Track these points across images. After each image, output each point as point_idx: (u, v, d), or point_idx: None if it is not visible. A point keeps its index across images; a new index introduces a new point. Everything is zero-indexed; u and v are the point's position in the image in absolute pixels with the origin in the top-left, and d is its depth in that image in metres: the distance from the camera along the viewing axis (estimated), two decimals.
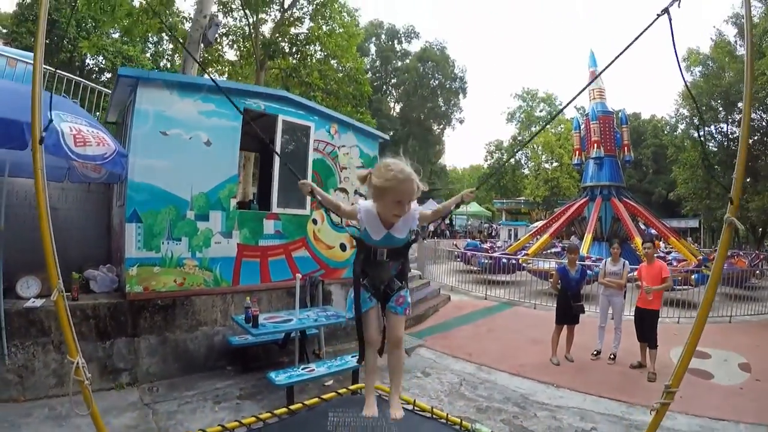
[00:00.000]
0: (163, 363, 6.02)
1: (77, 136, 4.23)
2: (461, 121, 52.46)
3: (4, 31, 24.39)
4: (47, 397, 4.94)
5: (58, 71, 9.04)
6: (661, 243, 20.57)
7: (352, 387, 4.77)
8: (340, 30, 17.93)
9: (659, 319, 6.95)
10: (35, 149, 2.56)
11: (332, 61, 19.21)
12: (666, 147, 36.32)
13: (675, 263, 15.31)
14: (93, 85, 10.09)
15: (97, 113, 10.03)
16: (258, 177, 11.43)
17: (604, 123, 20.80)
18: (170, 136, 5.96)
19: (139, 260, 5.81)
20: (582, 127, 22.26)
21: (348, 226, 7.89)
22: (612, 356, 7.37)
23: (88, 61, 26.72)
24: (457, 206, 2.95)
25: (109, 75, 25.27)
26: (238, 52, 18.95)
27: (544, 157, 45.87)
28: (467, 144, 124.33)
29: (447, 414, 4.15)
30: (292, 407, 4.02)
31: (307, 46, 17.94)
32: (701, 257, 16.51)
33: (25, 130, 3.77)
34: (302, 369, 5.65)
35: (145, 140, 5.80)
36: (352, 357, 6.18)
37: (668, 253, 18.88)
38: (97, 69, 27.23)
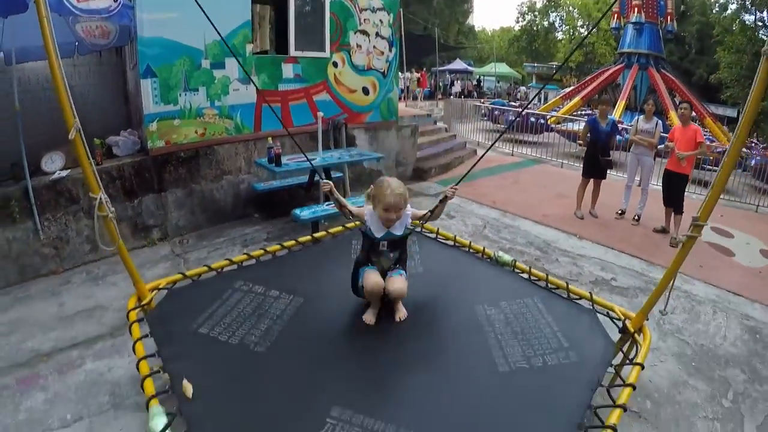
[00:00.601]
0: (191, 215, 6.15)
1: None
2: None
3: None
4: (84, 263, 5.09)
5: None
6: (697, 124, 19.66)
7: None
8: None
9: (686, 193, 6.74)
10: None
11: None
12: (712, 26, 33.77)
13: (708, 143, 14.71)
14: None
15: None
16: (275, 32, 10.94)
17: None
18: None
19: (157, 115, 5.70)
20: None
21: (369, 69, 7.64)
22: (636, 217, 7.24)
23: None
24: (443, 201, 3.37)
25: None
26: None
27: (579, 21, 43.07)
28: (497, 4, 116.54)
29: (470, 242, 4.21)
30: (315, 235, 4.08)
31: None
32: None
33: None
34: (327, 205, 5.73)
35: None
36: None
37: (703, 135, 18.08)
38: None
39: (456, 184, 3.35)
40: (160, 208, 5.87)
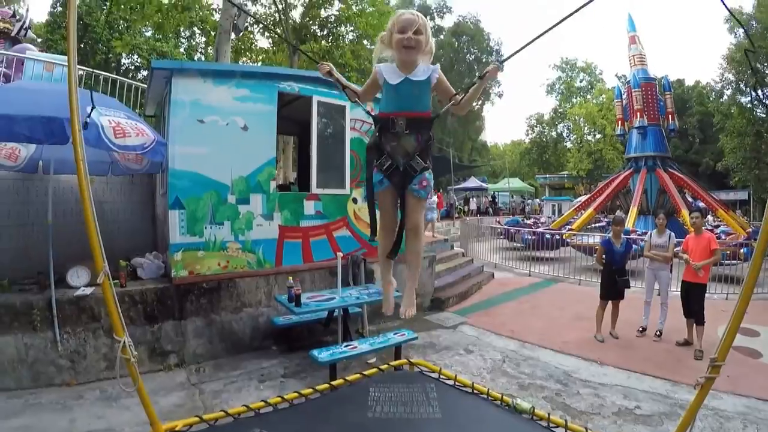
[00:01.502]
0: (210, 344, 6.21)
1: (116, 128, 4.35)
2: (500, 96, 51.47)
3: (39, 40, 25.42)
4: (98, 380, 5.15)
5: (94, 71, 9.25)
6: (709, 216, 19.82)
7: (394, 363, 4.82)
8: (371, 9, 17.84)
9: (707, 295, 6.69)
10: (74, 133, 2.64)
11: (364, 41, 19.17)
12: (712, 114, 34.95)
13: (723, 237, 14.75)
14: (129, 81, 10.30)
15: (136, 110, 10.28)
16: (297, 161, 11.56)
17: (646, 90, 20.00)
18: (207, 123, 6.07)
19: (183, 245, 5.97)
20: (624, 95, 21.50)
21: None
22: (658, 333, 7.13)
23: (123, 60, 27.39)
24: (482, 78, 2.57)
25: (145, 72, 25.86)
26: (270, 39, 19.11)
27: (586, 129, 44.71)
28: (508, 119, 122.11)
29: (488, 389, 4.16)
30: (333, 383, 4.09)
31: (339, 28, 17.96)
32: (750, 230, 15.76)
33: (65, 126, 3.89)
34: (345, 347, 5.73)
35: (183, 129, 5.93)
36: (395, 334, 6.26)
37: (716, 226, 18.15)
38: (133, 68, 27.84)
39: (502, 62, 2.73)
40: (179, 335, 5.96)
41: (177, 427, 3.35)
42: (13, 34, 9.07)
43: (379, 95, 2.63)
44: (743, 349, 6.39)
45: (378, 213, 2.64)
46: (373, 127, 2.61)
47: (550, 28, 2.39)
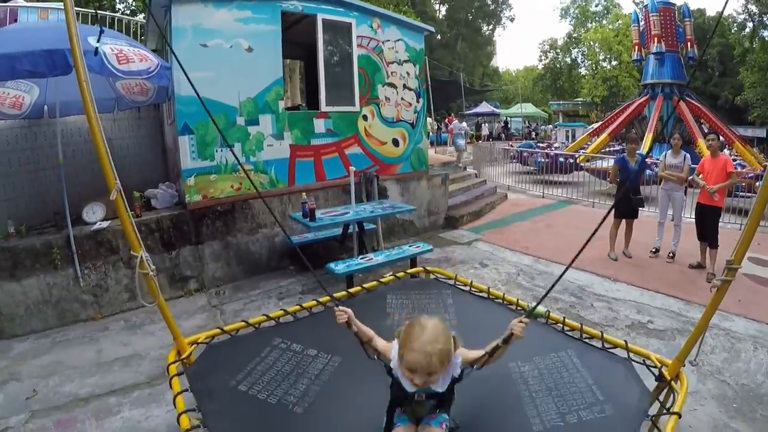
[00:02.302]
0: (228, 267, 6.33)
1: (119, 55, 4.23)
2: (512, 20, 49.81)
3: None
4: (121, 311, 5.29)
5: (90, 11, 8.96)
6: (725, 150, 19.40)
7: (410, 270, 4.89)
8: None
9: (720, 224, 6.59)
10: (76, 58, 2.57)
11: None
12: (733, 47, 33.63)
13: (739, 169, 14.47)
14: (127, 17, 9.95)
15: None
16: (304, 91, 11.35)
17: (664, 15, 19.21)
18: (211, 47, 5.91)
19: (195, 170, 5.97)
20: (641, 20, 20.63)
21: (398, 121, 7.78)
22: (671, 254, 7.09)
23: (117, 5, 26.45)
24: (507, 342, 2.40)
25: (141, 15, 25.05)
26: None
27: (601, 55, 43.22)
28: (520, 44, 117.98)
29: (503, 294, 4.22)
30: (351, 290, 4.16)
31: None
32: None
33: (67, 56, 3.79)
34: (361, 259, 5.83)
35: (187, 54, 5.72)
36: (410, 246, 6.36)
37: (733, 160, 17.80)
38: (128, 12, 26.98)
39: (527, 315, 2.53)
40: (197, 260, 6.06)
41: (200, 339, 3.45)
42: None
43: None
44: (755, 277, 6.34)
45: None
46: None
47: None
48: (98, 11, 9.63)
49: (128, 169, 6.79)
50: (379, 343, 2.47)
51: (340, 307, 2.53)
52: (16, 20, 7.80)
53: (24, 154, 5.79)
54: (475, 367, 2.43)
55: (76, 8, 2.67)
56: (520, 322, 2.39)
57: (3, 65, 3.81)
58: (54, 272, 5.04)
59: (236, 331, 3.63)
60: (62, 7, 2.56)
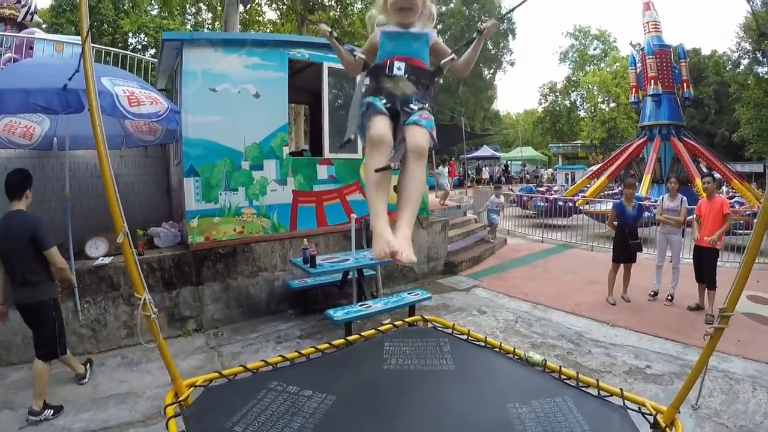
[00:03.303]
0: (227, 309, 6.36)
1: (131, 97, 4.39)
2: (512, 64, 50.60)
3: (44, 25, 25.42)
4: (119, 347, 5.30)
5: (104, 47, 9.25)
6: (723, 187, 19.59)
7: (408, 319, 4.90)
8: None
9: (719, 263, 6.65)
10: (90, 97, 2.68)
11: (373, 10, 18.94)
12: (728, 84, 34.29)
13: (738, 207, 14.60)
14: (138, 56, 10.24)
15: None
16: (308, 133, 11.58)
17: (660, 57, 19.60)
18: (219, 91, 6.11)
19: (199, 212, 6.07)
20: (638, 62, 21.12)
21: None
22: (669, 297, 7.14)
23: (130, 40, 27.26)
24: (480, 33, 2.34)
25: (152, 51, 25.72)
26: (278, 11, 18.93)
27: (600, 97, 44.02)
28: (520, 88, 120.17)
29: (500, 343, 4.24)
30: (349, 338, 4.19)
31: None
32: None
33: (80, 95, 3.95)
34: (360, 306, 5.85)
35: (196, 98, 5.97)
36: (409, 293, 6.39)
37: (731, 197, 17.97)
38: (140, 47, 27.73)
39: (501, 18, 2.48)
40: (197, 300, 6.11)
41: (197, 382, 3.46)
42: (19, 19, 9.08)
43: None
44: (754, 316, 6.38)
45: (367, 135, 2.07)
46: (368, 79, 2.28)
47: None
48: (111, 48, 9.90)
49: (133, 206, 6.91)
50: (358, 51, 2.39)
51: (320, 23, 2.55)
52: (31, 48, 8.04)
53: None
54: (451, 57, 2.40)
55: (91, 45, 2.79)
56: (494, 23, 2.33)
57: (18, 99, 3.94)
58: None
59: (234, 376, 3.64)
60: (76, 42, 2.68)
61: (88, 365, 4.84)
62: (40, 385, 4.03)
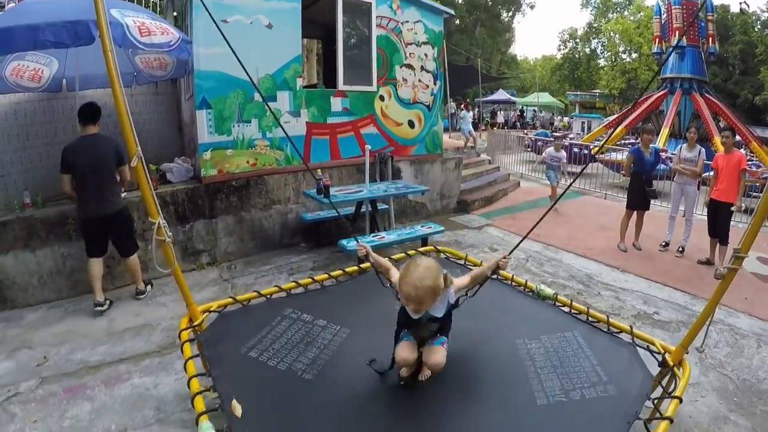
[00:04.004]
0: (240, 242, 6.41)
1: (141, 28, 4.27)
2: (532, 7, 48.89)
3: None
4: (134, 283, 5.25)
5: None
6: (742, 149, 19.16)
7: (421, 249, 4.94)
8: None
9: (732, 223, 6.55)
10: (100, 24, 2.60)
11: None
12: (755, 45, 33.12)
13: (754, 168, 14.27)
14: None
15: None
16: (322, 69, 11.36)
17: (687, 9, 18.94)
18: (231, 22, 5.91)
19: (211, 144, 6.02)
20: (663, 13, 20.33)
21: (415, 102, 7.77)
22: (680, 249, 7.07)
23: None
24: (494, 272, 3.00)
25: None
26: None
27: (621, 47, 42.75)
28: (539, 32, 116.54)
29: (512, 275, 4.26)
30: (362, 266, 4.22)
31: None
32: None
33: (90, 27, 3.85)
34: (373, 237, 5.90)
35: (207, 29, 5.72)
36: (422, 226, 6.44)
37: (749, 160, 17.60)
38: None
39: (510, 253, 3.18)
40: (211, 234, 6.14)
41: (212, 307, 3.52)
42: None
43: None
44: (763, 276, 6.32)
45: (395, 354, 2.77)
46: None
47: None
48: None
49: (145, 144, 6.65)
50: (393, 273, 2.83)
51: (360, 242, 3.04)
52: None
53: (42, 128, 5.82)
54: (468, 294, 2.96)
55: None
56: (505, 258, 2.98)
57: (26, 36, 3.86)
58: (68, 243, 5.10)
59: (248, 301, 3.70)
60: None
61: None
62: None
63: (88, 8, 2.81)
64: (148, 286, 5.25)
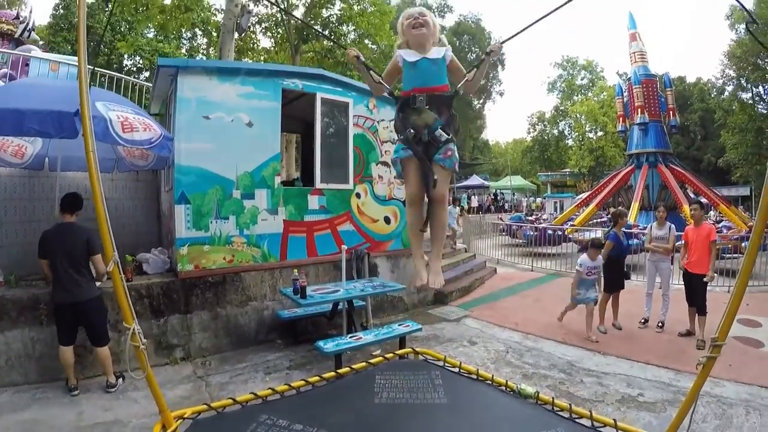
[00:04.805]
0: (215, 338, 6.27)
1: (124, 123, 4.39)
2: (501, 94, 51.72)
3: (41, 42, 25.70)
4: (104, 374, 5.08)
5: (99, 69, 9.27)
6: (711, 212, 19.87)
7: (399, 351, 4.87)
8: (372, 9, 17.91)
9: (708, 288, 6.67)
10: (85, 125, 2.68)
11: (366, 41, 19.25)
12: (713, 111, 35.12)
13: (725, 231, 14.75)
14: (133, 80, 10.32)
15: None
16: (300, 161, 11.65)
17: (647, 87, 20.15)
18: (212, 119, 6.13)
19: (189, 240, 6.02)
20: (625, 92, 21.59)
21: (390, 199, 7.95)
22: (660, 324, 7.14)
23: (125, 62, 27.38)
24: (488, 54, 2.76)
25: (147, 74, 25.85)
26: (272, 39, 19.20)
27: (587, 126, 44.81)
28: (509, 117, 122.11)
29: (492, 375, 4.21)
30: (340, 371, 4.14)
31: (341, 27, 18.05)
32: (752, 224, 15.70)
33: (75, 120, 3.95)
34: (350, 338, 5.80)
35: (189, 125, 5.99)
36: (399, 325, 6.34)
37: (719, 221, 18.22)
38: (135, 69, 27.84)
39: (504, 42, 2.89)
40: (185, 329, 6.02)
41: (186, 414, 3.41)
42: (16, 35, 9.16)
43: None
44: (745, 339, 6.43)
45: (404, 186, 2.73)
46: (396, 112, 2.76)
47: (550, 12, 2.50)
48: (106, 70, 9.94)
49: (122, 231, 6.83)
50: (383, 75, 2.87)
51: (349, 48, 2.89)
52: (27, 65, 8.04)
53: (21, 204, 5.85)
54: (465, 79, 2.81)
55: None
56: (499, 44, 2.80)
57: (12, 120, 3.95)
58: (39, 327, 5.01)
59: (223, 408, 3.59)
60: (72, 63, 2.71)
61: (121, 378, 5.14)
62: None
63: (73, 98, 2.89)
64: (120, 379, 5.10)
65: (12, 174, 5.75)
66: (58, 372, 4.98)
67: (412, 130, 2.61)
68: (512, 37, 2.84)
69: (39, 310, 5.00)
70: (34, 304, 4.99)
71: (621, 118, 22.01)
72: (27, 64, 8.17)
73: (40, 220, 5.90)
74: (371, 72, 2.81)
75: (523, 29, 2.73)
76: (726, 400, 4.74)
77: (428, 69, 2.68)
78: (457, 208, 15.49)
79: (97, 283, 5.08)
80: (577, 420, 3.45)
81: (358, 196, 7.64)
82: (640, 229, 12.29)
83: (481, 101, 51.15)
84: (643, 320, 7.40)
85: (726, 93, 33.96)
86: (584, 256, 7.27)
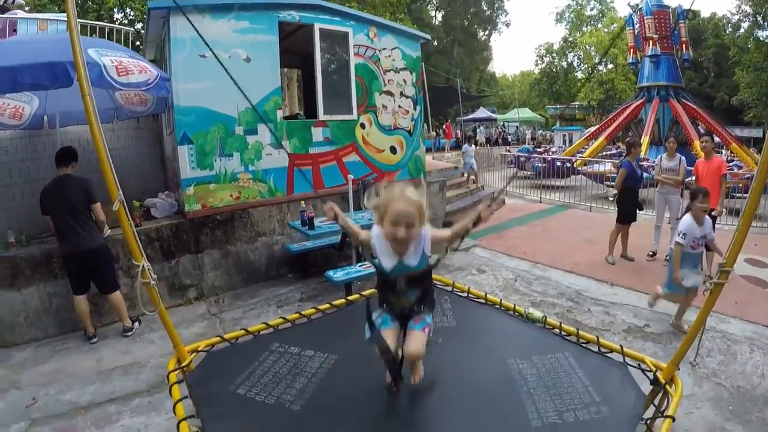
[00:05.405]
0: (227, 275, 6.36)
1: (119, 67, 4.28)
2: (507, 25, 50.23)
3: (27, 8, 24.79)
4: (120, 320, 5.19)
5: (89, 22, 9.02)
6: (722, 150, 19.50)
7: None
8: None
9: (717, 226, 6.59)
10: (78, 68, 2.60)
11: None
12: (728, 48, 33.92)
13: (736, 170, 14.50)
14: (125, 29, 9.96)
15: None
16: (303, 91, 11.42)
17: (659, 18, 19.35)
18: (209, 57, 5.89)
19: (194, 179, 6.00)
20: (636, 23, 20.77)
21: (396, 128, 7.87)
22: (668, 257, 7.11)
23: (116, 16, 26.54)
24: (476, 224, 2.64)
25: (139, 25, 25.11)
26: None
27: (597, 58, 43.54)
28: (516, 49, 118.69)
29: (500, 300, 4.25)
30: (349, 298, 4.19)
31: None
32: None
33: (68, 68, 3.85)
34: (359, 266, 5.85)
35: (186, 65, 5.84)
36: None
37: (730, 161, 17.87)
38: (126, 22, 27.03)
39: (493, 200, 2.93)
40: (197, 268, 6.10)
41: (199, 347, 3.47)
42: (0, 2, 8.84)
43: None
44: (752, 279, 6.39)
45: (375, 343, 2.60)
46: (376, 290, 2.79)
47: None
48: (96, 22, 9.66)
49: (128, 179, 6.76)
50: (363, 233, 2.71)
51: (329, 203, 2.79)
52: (15, 31, 7.85)
53: (24, 165, 5.82)
54: (448, 250, 2.83)
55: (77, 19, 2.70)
56: (488, 207, 2.66)
57: (5, 78, 3.86)
58: (54, 281, 5.07)
59: (236, 339, 3.65)
60: (60, 18, 2.61)
61: (137, 322, 5.26)
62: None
63: (65, 49, 2.83)
64: (136, 323, 5.21)
65: (13, 136, 5.68)
66: (75, 323, 5.08)
67: (389, 311, 2.65)
68: (501, 191, 2.75)
69: (52, 264, 5.05)
70: (47, 259, 5.04)
71: (632, 50, 21.25)
72: (15, 30, 7.94)
73: (45, 179, 5.82)
74: (351, 231, 2.80)
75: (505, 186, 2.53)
76: (731, 336, 4.78)
77: (405, 267, 2.54)
78: (473, 147, 15.00)
79: (107, 231, 5.14)
80: (584, 345, 3.49)
81: (362, 126, 7.53)
82: (650, 164, 12.12)
83: (487, 32, 49.70)
84: (651, 253, 7.40)
85: (741, 30, 32.76)
86: (687, 220, 5.08)
